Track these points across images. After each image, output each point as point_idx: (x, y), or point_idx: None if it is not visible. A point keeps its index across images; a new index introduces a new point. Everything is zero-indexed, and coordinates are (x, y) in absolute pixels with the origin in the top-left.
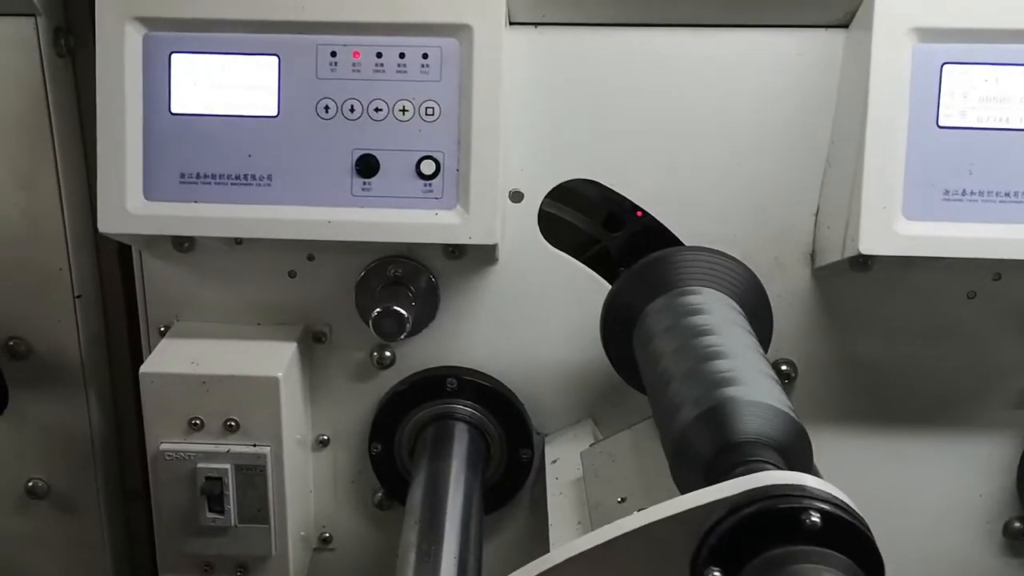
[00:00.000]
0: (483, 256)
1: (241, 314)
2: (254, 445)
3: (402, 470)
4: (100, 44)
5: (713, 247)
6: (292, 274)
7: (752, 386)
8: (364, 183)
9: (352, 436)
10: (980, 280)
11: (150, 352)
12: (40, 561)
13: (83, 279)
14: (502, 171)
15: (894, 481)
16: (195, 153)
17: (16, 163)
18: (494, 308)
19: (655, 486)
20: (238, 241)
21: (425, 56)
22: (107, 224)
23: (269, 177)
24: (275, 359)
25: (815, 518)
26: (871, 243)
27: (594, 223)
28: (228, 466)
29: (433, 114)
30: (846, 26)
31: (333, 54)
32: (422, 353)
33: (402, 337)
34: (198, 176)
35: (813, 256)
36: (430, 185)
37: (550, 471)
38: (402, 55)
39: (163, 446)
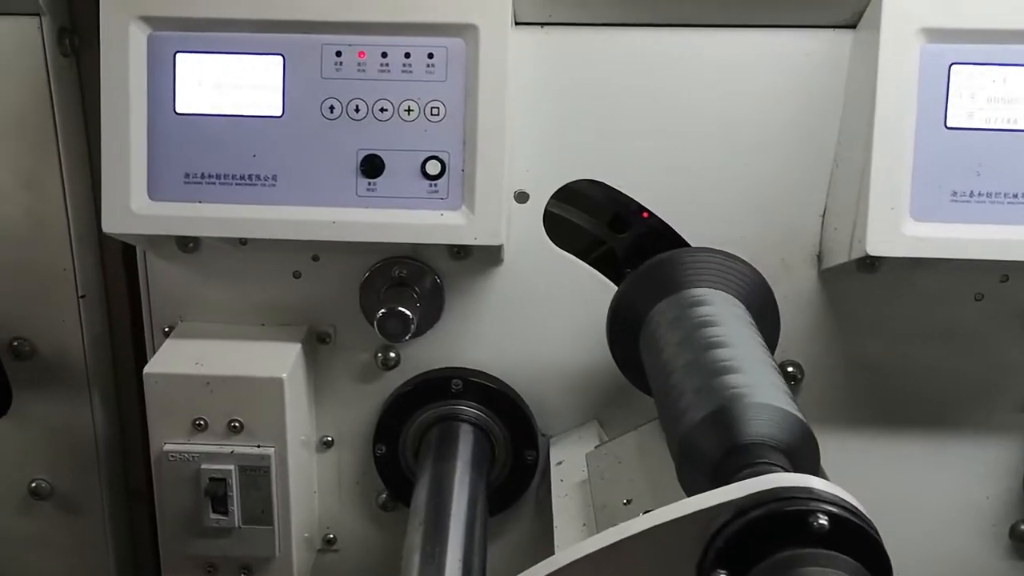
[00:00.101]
0: (488, 257)
1: (245, 315)
2: (258, 446)
3: (406, 471)
4: (104, 44)
5: (719, 248)
6: (297, 275)
7: (759, 388)
8: (369, 183)
9: (356, 437)
10: (987, 282)
11: (154, 352)
12: (43, 562)
13: (87, 279)
14: (507, 172)
15: (901, 483)
16: (199, 153)
17: (20, 163)
18: (499, 309)
19: (661, 488)
20: (243, 241)
21: (431, 56)
22: (111, 224)
23: (274, 177)
24: (279, 360)
25: (822, 520)
26: (878, 244)
27: (600, 224)
28: (232, 467)
29: (438, 114)
30: (854, 26)
31: (338, 54)
32: (427, 354)
33: (407, 338)
34: (202, 176)
35: (820, 257)
36: (435, 185)
37: (555, 473)
38: (407, 55)
39: (167, 447)
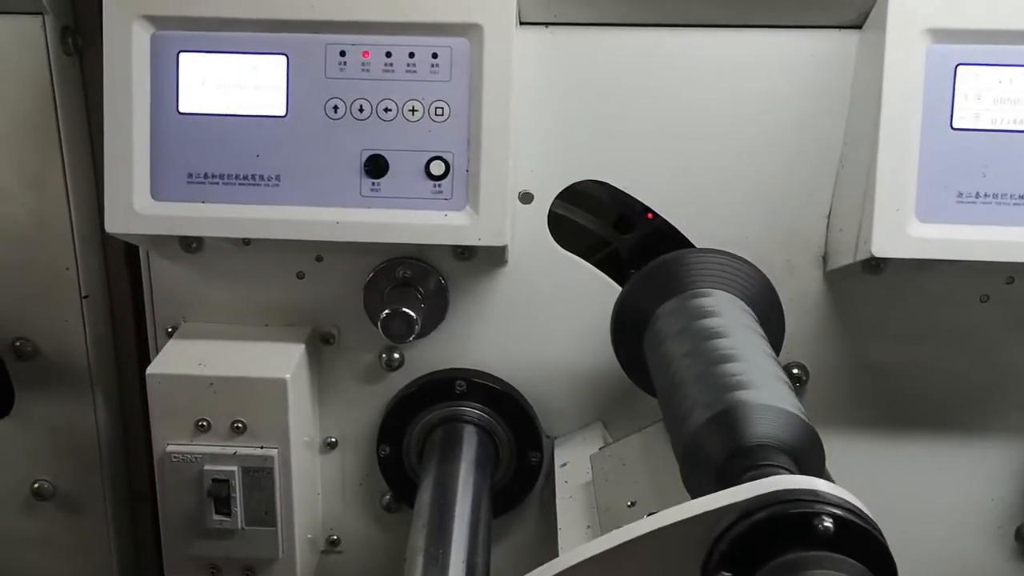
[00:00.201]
0: (493, 258)
1: (249, 315)
2: (261, 447)
3: (410, 473)
4: (107, 43)
5: (724, 249)
6: (300, 275)
7: (764, 389)
8: (373, 183)
9: (360, 438)
10: (993, 283)
11: (157, 353)
12: (46, 563)
13: (90, 279)
14: (512, 172)
15: (906, 485)
16: (203, 153)
17: (23, 163)
18: (504, 310)
19: (665, 490)
20: (246, 242)
21: (435, 56)
22: (114, 224)
23: (277, 177)
24: (283, 360)
25: (827, 523)
26: (884, 245)
27: (604, 225)
28: (235, 468)
29: (443, 114)
30: (859, 27)
31: (342, 53)
32: (431, 355)
33: (411, 339)
34: (206, 176)
35: (825, 258)
36: (439, 186)
37: (559, 474)
38: (412, 55)
39: (170, 448)
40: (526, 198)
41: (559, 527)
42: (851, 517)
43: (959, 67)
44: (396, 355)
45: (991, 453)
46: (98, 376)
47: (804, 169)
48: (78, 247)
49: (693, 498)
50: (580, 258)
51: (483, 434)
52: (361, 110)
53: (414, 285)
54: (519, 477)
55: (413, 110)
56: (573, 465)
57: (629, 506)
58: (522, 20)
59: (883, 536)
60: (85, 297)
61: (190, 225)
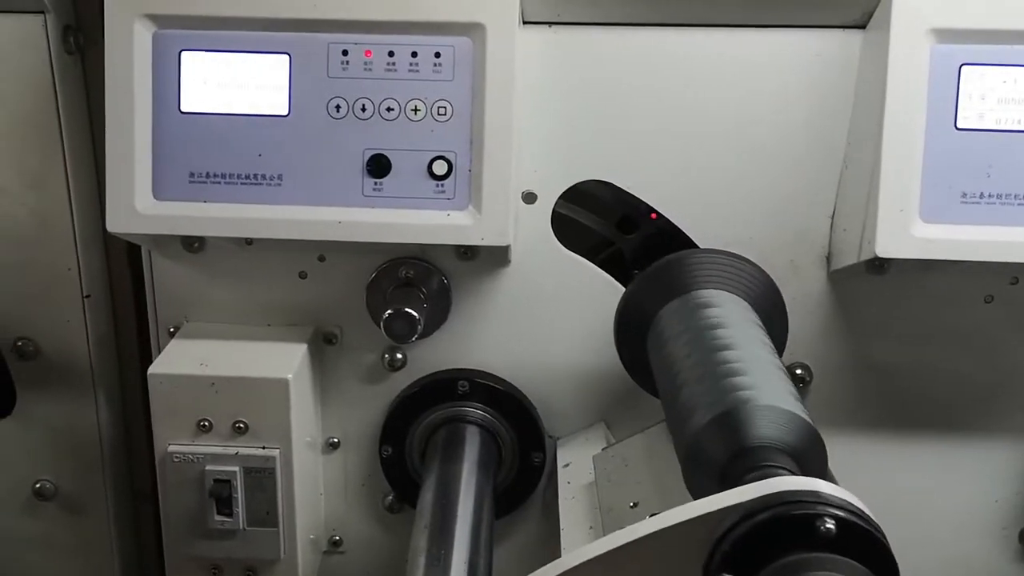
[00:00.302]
0: (496, 258)
1: (251, 315)
2: (263, 447)
3: (413, 473)
4: (109, 42)
5: (728, 249)
6: (303, 275)
7: (766, 390)
8: (375, 183)
9: (363, 439)
10: (997, 284)
11: (159, 353)
12: (47, 563)
13: (92, 279)
14: (515, 172)
15: (910, 486)
16: (205, 152)
17: (25, 162)
18: (507, 310)
19: (668, 491)
20: (248, 241)
21: (437, 55)
22: (116, 224)
23: (279, 177)
24: (285, 361)
25: (829, 525)
26: (888, 246)
27: (608, 225)
28: (237, 468)
29: (445, 114)
30: (863, 26)
31: (345, 53)
32: (434, 355)
33: (413, 339)
34: (208, 176)
35: (829, 259)
36: (442, 186)
37: (562, 475)
38: (414, 54)
39: (171, 448)
40: (529, 198)
41: (562, 528)
42: (853, 519)
43: (963, 67)
44: (399, 355)
45: (995, 454)
46: (100, 376)
47: (808, 169)
48: (80, 247)
49: (695, 499)
50: (584, 258)
51: (486, 434)
52: (363, 109)
53: (417, 285)
54: (522, 478)
55: (416, 109)
56: (576, 466)
57: (632, 507)
58: (525, 19)
59: (885, 537)
60: (87, 297)
61: (192, 225)
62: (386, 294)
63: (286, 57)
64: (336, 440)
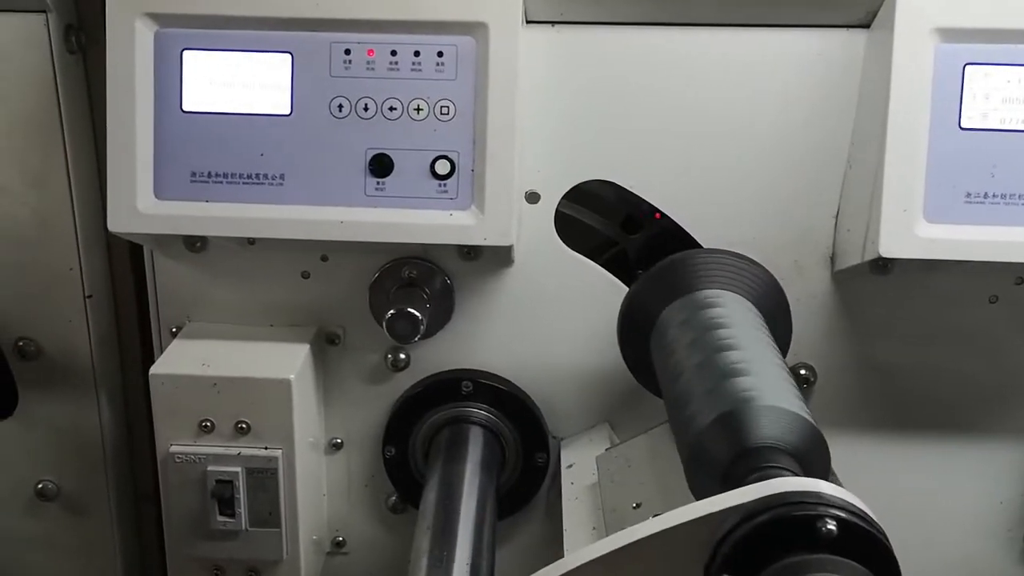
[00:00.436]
0: (499, 258)
1: (254, 315)
2: (265, 448)
3: (416, 474)
4: (111, 41)
5: (732, 249)
6: (305, 275)
7: (769, 390)
8: (378, 183)
9: (366, 439)
10: (1002, 284)
11: (161, 353)
12: (49, 564)
13: (94, 279)
14: (518, 172)
15: (913, 487)
16: (207, 152)
17: (27, 162)
18: (510, 310)
19: (671, 491)
20: (251, 241)
21: (440, 54)
22: (117, 223)
23: (281, 176)
24: (288, 361)
25: (831, 526)
26: (891, 246)
27: (612, 225)
28: (239, 469)
29: (448, 113)
30: (867, 26)
31: (347, 52)
32: (437, 355)
33: (416, 339)
34: (209, 175)
35: (833, 259)
36: (445, 185)
37: (566, 476)
38: (417, 53)
39: (173, 448)
40: (533, 198)
41: (565, 528)
42: (854, 520)
43: (967, 66)
44: (402, 355)
45: (1000, 455)
46: (102, 376)
47: (812, 169)
48: (82, 246)
49: (698, 499)
50: (587, 258)
51: (489, 435)
52: (366, 109)
53: (420, 285)
54: (525, 478)
55: (418, 109)
56: (579, 466)
57: (635, 507)
58: (528, 19)
59: (887, 539)
60: (89, 297)
61: (193, 224)
62: (389, 294)
63: (288, 56)
64: (339, 440)
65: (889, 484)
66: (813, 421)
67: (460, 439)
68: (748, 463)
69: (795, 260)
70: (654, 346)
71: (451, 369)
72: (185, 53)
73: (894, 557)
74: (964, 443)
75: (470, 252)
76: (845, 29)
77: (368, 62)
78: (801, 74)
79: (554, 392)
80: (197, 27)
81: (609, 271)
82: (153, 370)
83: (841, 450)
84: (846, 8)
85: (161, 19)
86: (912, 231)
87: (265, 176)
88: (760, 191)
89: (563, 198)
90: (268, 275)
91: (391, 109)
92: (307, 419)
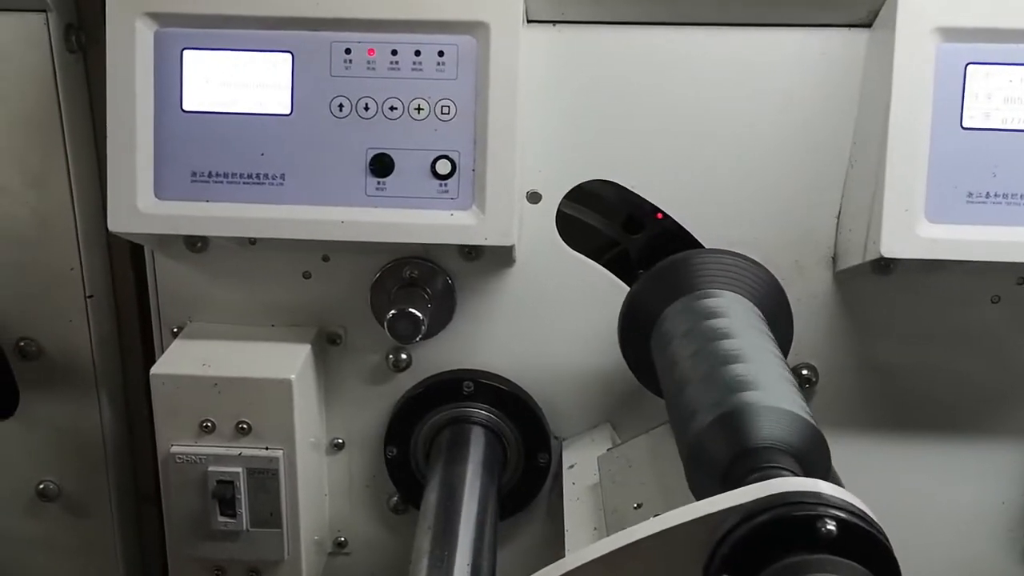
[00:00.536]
0: (500, 258)
1: (255, 315)
2: (266, 448)
3: (417, 474)
4: (111, 40)
5: (733, 249)
6: (307, 275)
7: (770, 391)
8: (379, 183)
9: (367, 439)
10: (1004, 284)
11: (162, 353)
12: (50, 564)
13: (95, 279)
14: (519, 171)
15: (914, 488)
16: (207, 151)
17: (27, 161)
18: (511, 310)
19: (673, 492)
20: (252, 241)
21: (441, 54)
22: (117, 223)
23: (282, 176)
24: (289, 361)
25: (831, 526)
26: (893, 246)
27: (613, 225)
28: (240, 469)
29: (449, 113)
30: (869, 25)
31: (347, 51)
32: (438, 356)
33: (418, 339)
34: (210, 175)
35: (834, 259)
36: (445, 185)
37: (567, 476)
38: (417, 53)
39: (174, 448)
40: (534, 198)
41: (566, 529)
42: (854, 520)
43: (969, 66)
44: (403, 356)
45: (1001, 455)
46: (103, 376)
47: (813, 169)
48: (82, 246)
49: (698, 500)
50: (589, 258)
51: (490, 435)
52: (366, 108)
53: (421, 285)
54: (527, 479)
55: (419, 109)
56: (581, 467)
57: (636, 508)
58: (529, 18)
59: (887, 539)
60: (89, 297)
61: (194, 224)
62: (390, 294)
63: (289, 56)
64: (340, 441)
65: (890, 484)
66: (813, 421)
67: (461, 439)
68: (748, 463)
69: (796, 260)
70: (655, 346)
71: (452, 369)
72: (185, 53)
73: (894, 557)
74: (965, 443)
75: (471, 252)
76: (847, 29)
77: (369, 61)
78: (803, 74)
79: (556, 392)
80: (197, 27)
81: (610, 271)
82: (154, 370)
83: (842, 450)
84: (847, 8)
85: (161, 19)
86: (914, 231)
87: (266, 176)
88: (761, 191)
89: (564, 198)
90: (269, 275)
91: (392, 109)
92: (308, 419)
